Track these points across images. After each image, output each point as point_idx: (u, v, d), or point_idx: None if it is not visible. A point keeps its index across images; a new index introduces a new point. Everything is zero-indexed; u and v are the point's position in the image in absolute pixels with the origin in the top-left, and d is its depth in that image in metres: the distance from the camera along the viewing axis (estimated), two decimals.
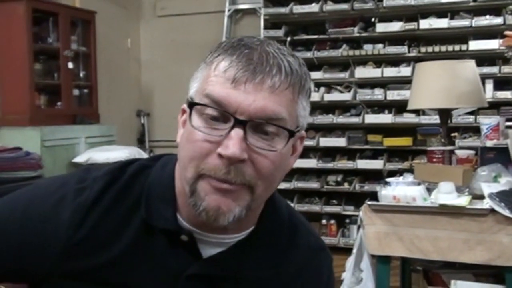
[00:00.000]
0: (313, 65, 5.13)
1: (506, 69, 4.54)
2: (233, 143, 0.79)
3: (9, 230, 0.88)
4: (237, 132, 0.79)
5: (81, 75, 5.10)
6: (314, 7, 5.05)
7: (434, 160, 2.86)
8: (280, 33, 5.21)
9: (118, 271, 0.87)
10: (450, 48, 4.63)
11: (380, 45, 4.94)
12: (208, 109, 0.82)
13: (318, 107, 5.16)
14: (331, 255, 1.05)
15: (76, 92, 5.00)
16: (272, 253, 0.93)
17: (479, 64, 3.46)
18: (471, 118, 4.50)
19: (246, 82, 0.80)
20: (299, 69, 0.86)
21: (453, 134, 4.38)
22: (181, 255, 0.88)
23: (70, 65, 4.78)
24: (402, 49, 4.84)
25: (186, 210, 0.88)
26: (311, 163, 5.03)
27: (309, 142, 5.02)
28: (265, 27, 5.31)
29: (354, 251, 2.64)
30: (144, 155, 4.82)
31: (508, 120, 3.09)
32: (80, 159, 4.36)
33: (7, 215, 0.89)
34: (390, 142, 4.86)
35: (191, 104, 0.83)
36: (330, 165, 5.01)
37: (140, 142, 5.98)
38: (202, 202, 0.82)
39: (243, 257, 0.90)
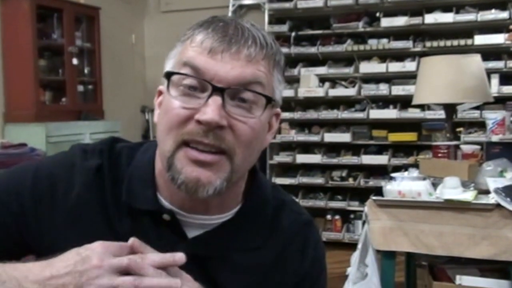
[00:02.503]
0: (317, 61, 5.13)
1: (511, 63, 4.52)
2: (211, 109, 0.80)
3: (22, 191, 0.91)
4: (215, 99, 0.81)
5: (86, 71, 5.12)
6: (318, 2, 5.03)
7: (440, 155, 2.85)
8: (284, 28, 5.20)
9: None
10: (455, 42, 4.62)
11: (385, 40, 4.93)
12: (186, 79, 0.83)
13: (322, 103, 5.15)
14: (317, 227, 1.06)
15: (80, 88, 5.02)
16: (257, 233, 0.95)
17: (485, 58, 3.43)
18: (476, 113, 4.49)
19: (223, 52, 0.82)
20: (273, 44, 0.87)
21: (458, 129, 4.37)
22: (165, 236, 0.90)
23: (75, 61, 4.79)
24: (407, 44, 4.83)
25: (166, 190, 0.90)
26: (315, 158, 5.03)
27: (313, 138, 5.02)
28: (270, 22, 5.30)
29: (359, 246, 2.64)
30: None
31: None
32: None
33: (17, 178, 0.93)
34: (395, 137, 4.85)
35: (169, 74, 0.85)
36: (334, 160, 5.01)
37: (145, 138, 5.98)
38: (180, 175, 0.83)
39: (228, 237, 0.91)
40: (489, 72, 4.02)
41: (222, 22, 0.85)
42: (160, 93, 0.91)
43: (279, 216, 0.98)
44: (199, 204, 0.89)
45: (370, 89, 4.97)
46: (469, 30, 4.66)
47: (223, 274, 0.91)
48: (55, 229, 0.90)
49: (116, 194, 0.92)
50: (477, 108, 4.35)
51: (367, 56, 5.03)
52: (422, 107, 4.60)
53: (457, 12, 4.68)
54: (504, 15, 4.53)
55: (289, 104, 5.11)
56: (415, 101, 3.03)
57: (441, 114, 3.88)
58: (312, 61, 5.17)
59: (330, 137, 5.04)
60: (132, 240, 0.80)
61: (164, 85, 0.87)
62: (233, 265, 0.92)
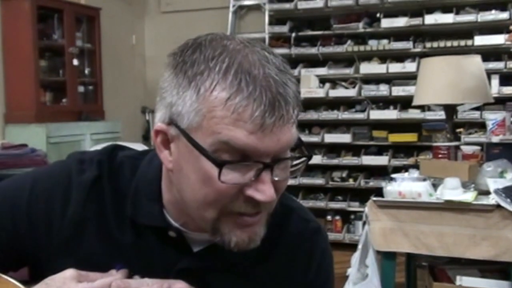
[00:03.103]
0: (318, 61, 5.13)
1: (511, 64, 4.53)
2: (267, 187, 0.75)
3: (17, 207, 0.89)
4: (267, 175, 0.76)
5: (86, 71, 5.12)
6: (319, 3, 5.04)
7: (440, 155, 2.85)
8: (284, 29, 5.20)
9: (110, 259, 0.87)
10: (455, 43, 4.62)
11: (385, 41, 4.93)
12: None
13: (323, 103, 5.15)
14: (327, 235, 1.03)
15: (81, 88, 5.02)
16: (263, 242, 0.90)
17: (485, 59, 3.44)
18: (476, 114, 4.49)
19: (273, 126, 0.73)
20: (295, 80, 0.79)
21: (458, 130, 4.37)
22: (170, 250, 0.88)
23: (75, 61, 4.79)
24: (407, 45, 4.83)
25: (172, 208, 0.87)
26: (316, 159, 5.02)
27: (314, 138, 5.02)
28: (270, 23, 5.30)
29: (360, 247, 2.64)
30: None
31: None
32: None
33: (12, 193, 0.90)
34: (395, 138, 4.85)
35: (216, 162, 0.74)
36: (335, 161, 5.01)
37: (145, 139, 5.98)
38: (232, 238, 0.80)
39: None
40: (489, 73, 4.02)
41: (254, 80, 0.73)
42: (159, 132, 0.81)
43: (286, 223, 0.96)
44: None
45: (370, 90, 4.97)
46: (469, 31, 4.67)
47: (227, 286, 0.90)
48: (51, 247, 0.88)
49: (118, 207, 0.89)
50: (477, 108, 4.35)
51: (368, 56, 5.03)
52: (422, 107, 4.60)
53: (457, 13, 4.69)
54: (504, 15, 4.53)
55: None
56: (415, 102, 3.03)
57: (441, 114, 3.88)
58: (313, 61, 5.17)
59: (331, 137, 5.04)
60: (116, 285, 0.79)
61: (184, 143, 0.77)
62: (237, 276, 0.91)
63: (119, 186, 0.90)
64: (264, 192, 0.75)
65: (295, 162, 0.81)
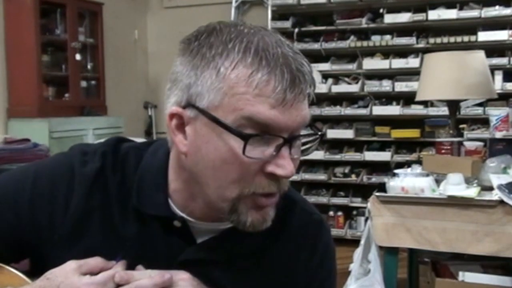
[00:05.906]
0: (320, 57, 5.11)
1: None
2: (287, 162, 0.77)
3: (20, 200, 0.88)
4: (286, 150, 0.78)
5: (89, 66, 5.12)
6: None
7: (443, 151, 2.85)
8: (287, 24, 5.19)
9: (113, 251, 0.87)
10: (459, 39, 4.61)
11: (388, 36, 4.91)
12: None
13: (325, 99, 5.14)
14: (329, 228, 1.04)
15: (83, 83, 5.03)
16: (265, 235, 0.91)
17: (488, 55, 3.41)
18: (479, 110, 4.48)
19: (294, 101, 0.76)
20: (308, 62, 0.83)
21: (461, 126, 4.36)
22: (174, 241, 0.88)
23: (78, 56, 4.80)
24: (411, 40, 4.81)
25: (178, 197, 0.87)
26: (318, 155, 5.02)
27: None
28: (273, 18, 5.30)
29: (362, 242, 2.64)
30: None
31: None
32: None
33: (15, 185, 0.90)
34: (398, 133, 4.84)
35: (242, 135, 0.76)
36: (337, 157, 5.00)
37: (148, 134, 5.99)
38: (247, 218, 0.81)
39: (235, 241, 0.89)
40: (493, 69, 3.99)
41: (273, 56, 0.76)
42: (174, 115, 0.81)
43: (289, 216, 0.96)
44: (214, 214, 0.85)
45: (373, 86, 4.96)
46: (472, 27, 4.65)
47: (229, 278, 0.90)
48: (54, 240, 0.88)
49: (123, 198, 0.89)
50: (480, 104, 4.34)
51: (370, 52, 5.02)
52: (425, 103, 4.59)
53: (460, 9, 4.67)
54: (508, 11, 4.51)
55: None
56: (418, 98, 3.02)
57: (444, 110, 3.89)
58: (315, 57, 5.15)
59: (333, 133, 5.03)
60: (119, 276, 0.82)
61: (203, 123, 0.78)
62: (239, 269, 0.91)
63: (124, 177, 0.90)
64: (285, 167, 0.77)
65: (306, 140, 0.83)
